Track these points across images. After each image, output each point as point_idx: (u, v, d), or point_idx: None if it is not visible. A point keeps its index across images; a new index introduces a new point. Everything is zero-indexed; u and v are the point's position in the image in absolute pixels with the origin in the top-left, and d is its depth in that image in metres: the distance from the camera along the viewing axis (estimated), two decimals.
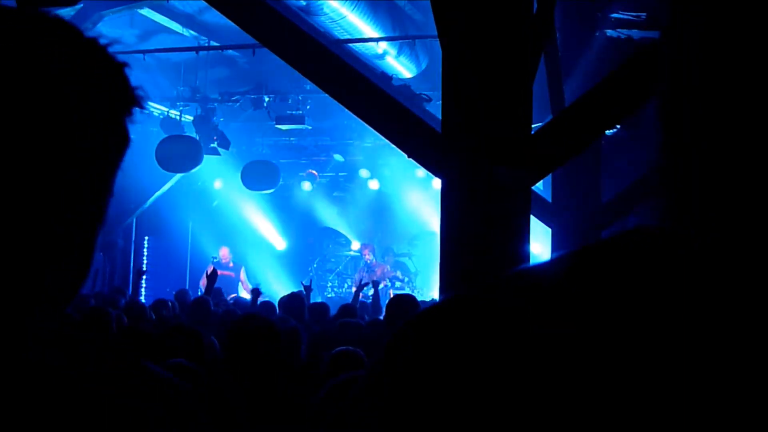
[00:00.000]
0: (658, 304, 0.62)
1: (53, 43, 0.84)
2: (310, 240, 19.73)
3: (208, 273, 10.23)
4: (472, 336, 0.64)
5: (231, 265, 16.48)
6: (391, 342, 0.69)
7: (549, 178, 9.85)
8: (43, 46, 0.83)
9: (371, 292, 11.96)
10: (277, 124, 14.78)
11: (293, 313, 8.35)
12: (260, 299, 10.47)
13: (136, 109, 0.91)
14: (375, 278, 15.89)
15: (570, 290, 0.64)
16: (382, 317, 8.50)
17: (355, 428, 0.68)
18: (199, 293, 14.53)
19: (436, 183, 12.27)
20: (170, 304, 9.88)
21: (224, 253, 16.75)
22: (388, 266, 16.89)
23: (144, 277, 10.75)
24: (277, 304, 9.73)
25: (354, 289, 15.96)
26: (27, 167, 0.80)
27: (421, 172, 16.18)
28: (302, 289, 11.01)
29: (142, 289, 16.53)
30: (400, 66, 12.46)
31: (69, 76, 0.83)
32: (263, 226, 19.49)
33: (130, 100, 0.90)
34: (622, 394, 0.59)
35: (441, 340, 0.66)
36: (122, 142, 0.91)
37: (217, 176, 18.14)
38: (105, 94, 0.87)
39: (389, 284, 16.32)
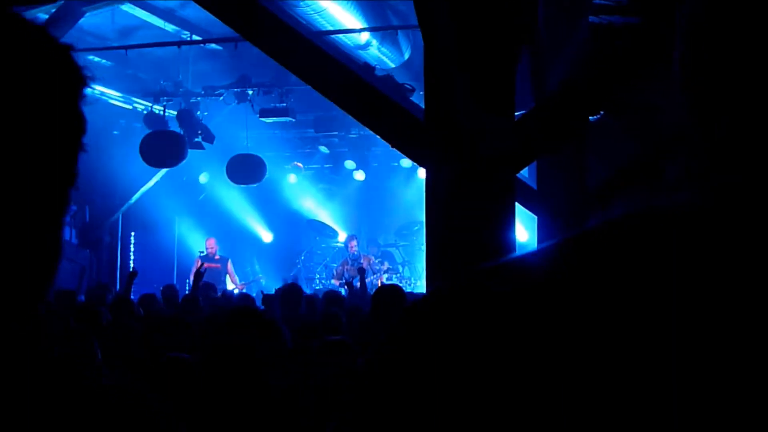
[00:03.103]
0: (648, 293, 0.62)
1: None
2: (296, 232, 19.69)
3: (196, 270, 10.20)
4: (471, 326, 0.65)
5: (217, 257, 16.47)
6: (393, 332, 0.70)
7: (534, 165, 9.86)
8: None
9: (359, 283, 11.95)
10: (261, 117, 14.75)
11: (290, 305, 8.36)
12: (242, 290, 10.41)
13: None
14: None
15: (563, 281, 0.65)
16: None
17: (360, 418, 0.69)
18: (188, 287, 14.53)
19: (422, 173, 12.28)
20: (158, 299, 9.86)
21: (211, 243, 16.72)
22: (373, 257, 16.86)
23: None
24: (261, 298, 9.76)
25: (336, 282, 15.98)
26: None
27: (407, 162, 16.19)
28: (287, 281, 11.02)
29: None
30: (383, 56, 12.44)
31: (13, 62, 0.83)
32: (249, 219, 19.46)
33: (79, 81, 0.89)
34: (619, 386, 0.60)
35: (440, 332, 0.66)
36: (78, 127, 0.90)
37: (203, 170, 18.10)
38: (53, 77, 0.86)
39: (378, 275, 16.31)
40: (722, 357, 0.60)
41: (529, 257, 0.71)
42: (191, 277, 16.29)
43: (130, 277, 10.63)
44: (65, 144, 0.88)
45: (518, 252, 0.74)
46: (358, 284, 11.81)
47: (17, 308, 0.86)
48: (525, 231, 12.21)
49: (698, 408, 0.59)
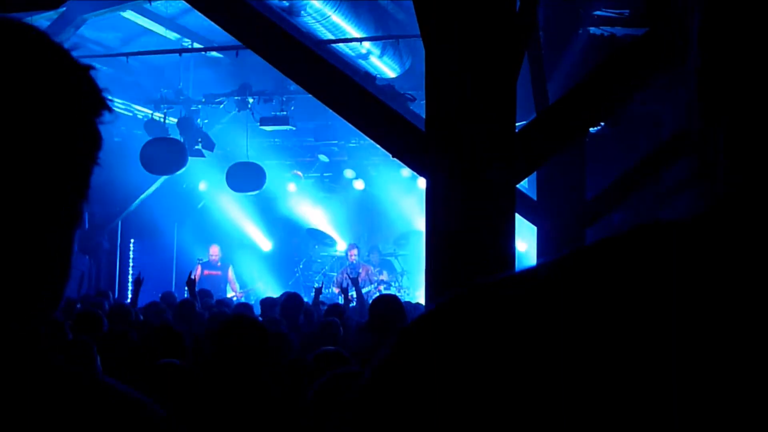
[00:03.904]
0: (653, 306, 0.62)
1: (17, 49, 0.84)
2: (295, 241, 19.69)
3: (188, 278, 10.20)
4: (474, 343, 0.65)
5: (219, 264, 16.51)
6: (393, 351, 0.70)
7: (534, 176, 9.86)
8: (6, 52, 0.83)
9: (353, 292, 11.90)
10: (261, 125, 14.76)
11: (289, 315, 8.35)
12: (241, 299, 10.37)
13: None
14: (360, 279, 15.84)
15: (570, 295, 0.65)
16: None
17: (360, 428, 0.68)
18: (186, 295, 14.53)
19: (422, 182, 12.29)
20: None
21: (215, 251, 16.73)
22: (372, 267, 16.83)
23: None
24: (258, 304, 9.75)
25: (336, 290, 15.94)
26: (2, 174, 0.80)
27: (406, 171, 16.19)
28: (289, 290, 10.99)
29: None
30: (383, 66, 12.46)
31: (34, 81, 0.83)
32: (249, 227, 19.47)
33: (97, 101, 0.90)
34: (626, 403, 0.59)
35: (446, 346, 0.66)
36: (93, 143, 0.91)
37: (202, 178, 18.11)
38: (71, 96, 0.87)
39: (375, 285, 16.27)
40: (727, 361, 0.59)
41: (530, 273, 0.71)
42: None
43: (137, 284, 10.55)
44: (79, 159, 0.89)
45: (518, 265, 0.74)
46: (350, 295, 11.77)
47: (31, 317, 0.86)
48: (524, 242, 12.21)
49: (705, 420, 0.59)
